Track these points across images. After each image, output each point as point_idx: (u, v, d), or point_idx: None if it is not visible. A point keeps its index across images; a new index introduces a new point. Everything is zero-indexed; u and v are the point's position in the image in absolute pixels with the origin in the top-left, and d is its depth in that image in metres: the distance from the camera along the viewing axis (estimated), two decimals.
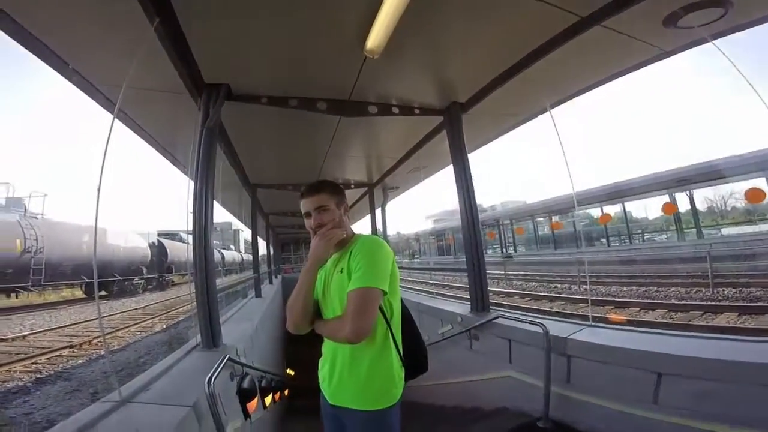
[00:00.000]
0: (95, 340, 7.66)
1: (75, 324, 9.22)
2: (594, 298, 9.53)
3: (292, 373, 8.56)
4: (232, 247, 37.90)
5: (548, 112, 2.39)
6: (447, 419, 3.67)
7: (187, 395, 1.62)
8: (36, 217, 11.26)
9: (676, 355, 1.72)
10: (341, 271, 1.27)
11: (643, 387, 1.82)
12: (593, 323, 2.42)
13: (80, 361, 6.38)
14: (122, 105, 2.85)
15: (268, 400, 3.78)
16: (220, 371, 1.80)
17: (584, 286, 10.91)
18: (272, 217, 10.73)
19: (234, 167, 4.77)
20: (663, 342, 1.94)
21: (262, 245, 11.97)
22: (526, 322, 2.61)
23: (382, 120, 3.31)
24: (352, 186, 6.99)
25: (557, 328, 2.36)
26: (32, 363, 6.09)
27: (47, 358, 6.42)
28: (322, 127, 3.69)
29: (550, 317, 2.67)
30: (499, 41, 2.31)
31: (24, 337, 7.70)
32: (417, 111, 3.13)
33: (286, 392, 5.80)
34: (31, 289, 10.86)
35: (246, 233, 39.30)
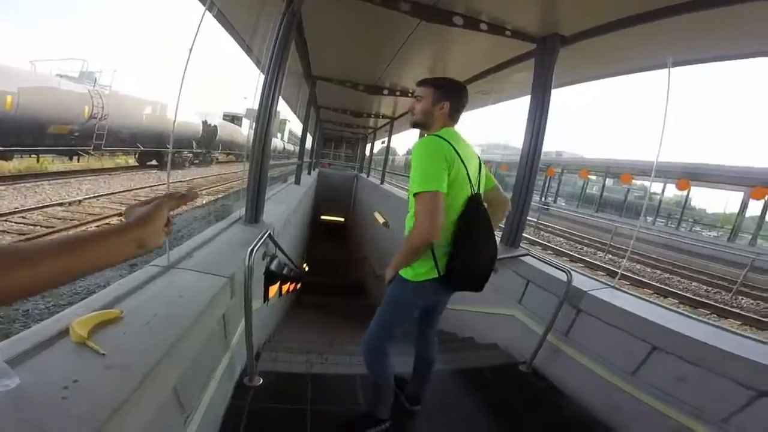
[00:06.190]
0: None
1: (125, 191, 9.53)
2: (621, 271, 9.49)
3: (307, 268, 8.61)
4: (278, 135, 38.94)
5: (667, 69, 2.03)
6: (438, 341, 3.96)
7: (226, 266, 1.68)
8: (104, 88, 12.10)
9: (669, 329, 1.70)
10: None
11: (633, 359, 1.82)
12: (616, 285, 2.28)
13: None
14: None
15: (285, 288, 3.87)
16: (260, 245, 1.83)
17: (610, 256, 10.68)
18: (323, 110, 10.67)
19: (300, 56, 4.68)
20: (664, 316, 1.86)
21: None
22: (551, 266, 2.51)
23: (461, 34, 3.00)
24: (410, 95, 6.74)
25: (580, 281, 2.30)
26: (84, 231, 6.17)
27: (96, 226, 6.38)
28: (397, 30, 3.46)
29: (576, 270, 2.46)
30: None
31: (79, 202, 7.84)
32: (508, 33, 2.80)
33: (299, 285, 5.86)
34: (92, 152, 11.91)
35: (291, 125, 39.81)
